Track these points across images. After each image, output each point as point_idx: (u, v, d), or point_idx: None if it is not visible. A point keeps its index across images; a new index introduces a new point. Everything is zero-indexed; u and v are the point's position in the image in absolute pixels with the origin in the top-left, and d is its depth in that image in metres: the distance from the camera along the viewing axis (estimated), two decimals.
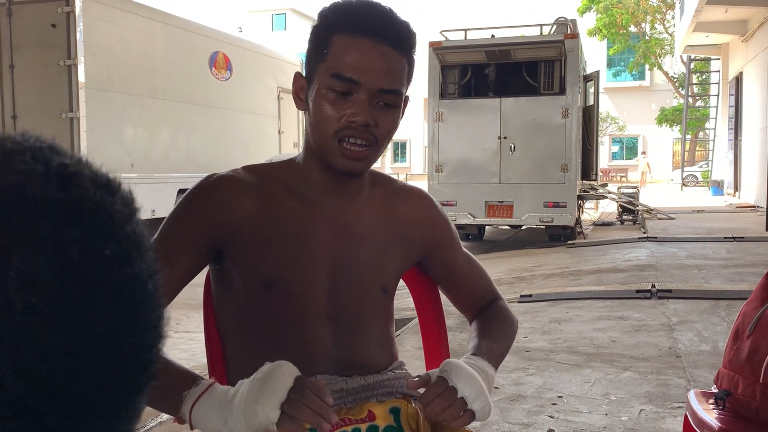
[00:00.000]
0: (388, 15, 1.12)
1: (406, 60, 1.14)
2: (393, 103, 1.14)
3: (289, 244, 1.17)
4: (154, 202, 9.85)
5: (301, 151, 1.24)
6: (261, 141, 12.63)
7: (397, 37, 1.12)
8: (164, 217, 1.24)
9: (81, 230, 0.39)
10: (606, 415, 2.78)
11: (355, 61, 1.10)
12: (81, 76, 8.79)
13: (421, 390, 1.11)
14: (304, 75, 1.17)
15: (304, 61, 1.19)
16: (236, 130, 11.88)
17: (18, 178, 0.39)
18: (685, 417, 1.60)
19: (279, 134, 13.24)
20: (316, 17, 1.17)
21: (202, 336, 4.71)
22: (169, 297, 1.15)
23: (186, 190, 1.21)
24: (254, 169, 1.23)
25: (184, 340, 4.69)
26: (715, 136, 21.53)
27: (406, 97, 1.22)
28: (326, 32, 1.13)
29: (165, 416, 3.32)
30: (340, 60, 1.11)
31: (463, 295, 1.36)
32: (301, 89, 1.18)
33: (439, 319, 1.47)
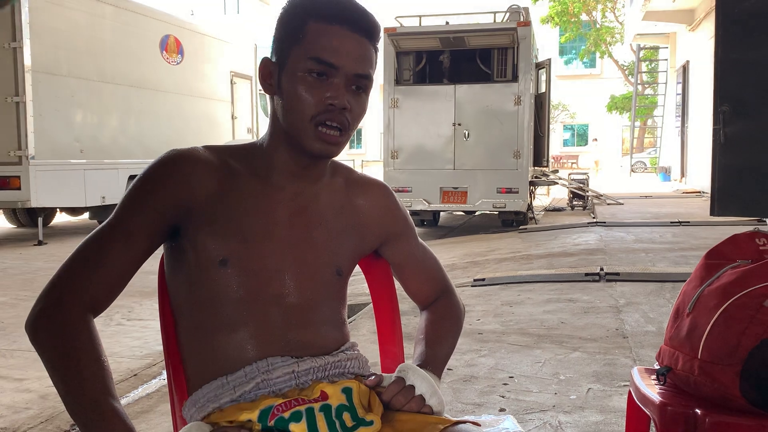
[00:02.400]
0: (360, 8, 1.17)
1: (374, 50, 1.19)
2: (365, 88, 1.18)
3: (245, 222, 1.18)
4: (105, 188, 9.67)
5: (265, 134, 1.24)
6: (214, 126, 12.47)
7: (368, 27, 1.17)
8: (114, 204, 1.24)
9: None
10: (555, 394, 2.86)
11: (333, 46, 1.13)
12: (27, 59, 8.55)
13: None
14: (272, 60, 1.19)
15: (273, 46, 1.20)
16: (188, 114, 11.71)
17: None
18: (629, 393, 1.66)
19: (233, 119, 13.08)
20: (285, 2, 1.20)
21: (154, 324, 4.66)
22: (128, 275, 1.15)
23: (137, 176, 1.21)
24: (214, 148, 1.24)
25: (137, 327, 4.64)
26: (663, 123, 22.03)
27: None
28: (301, 18, 1.16)
29: (151, 389, 3.30)
30: (318, 44, 1.13)
31: (416, 286, 1.41)
32: (270, 74, 1.19)
33: (392, 303, 1.50)
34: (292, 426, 1.08)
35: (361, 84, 1.17)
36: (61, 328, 1.06)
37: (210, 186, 1.18)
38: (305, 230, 1.23)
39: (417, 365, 1.25)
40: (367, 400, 1.18)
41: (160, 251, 1.25)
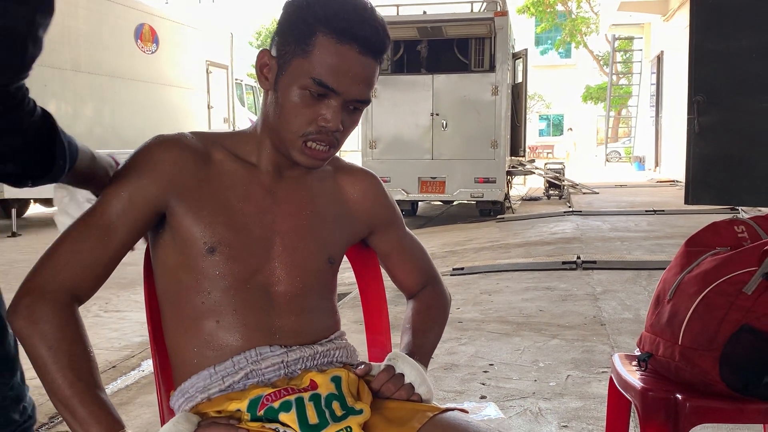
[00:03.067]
0: (373, 23, 1.12)
1: (379, 65, 1.16)
2: (360, 108, 1.17)
3: (234, 209, 1.17)
4: None
5: (256, 123, 1.23)
6: (189, 115, 12.36)
7: (379, 47, 1.13)
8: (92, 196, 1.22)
9: None
10: (535, 381, 2.89)
11: (337, 71, 1.09)
12: None
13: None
14: (273, 54, 1.15)
15: (277, 39, 1.15)
16: (164, 104, 11.59)
17: None
18: (610, 379, 1.68)
19: (208, 109, 12.97)
20: None
21: (132, 315, 4.60)
22: (113, 262, 1.13)
23: (121, 163, 1.19)
24: (201, 134, 1.22)
25: (114, 319, 4.60)
26: (637, 113, 22.23)
27: None
28: (310, 25, 1.10)
29: (130, 380, 3.27)
30: (324, 64, 1.09)
31: (403, 275, 1.41)
32: (267, 67, 1.16)
33: (380, 292, 1.51)
34: (282, 416, 1.08)
35: (358, 106, 1.15)
36: (46, 316, 1.04)
37: (197, 172, 1.16)
38: (295, 218, 1.22)
39: (406, 354, 1.26)
40: (356, 389, 1.18)
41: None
